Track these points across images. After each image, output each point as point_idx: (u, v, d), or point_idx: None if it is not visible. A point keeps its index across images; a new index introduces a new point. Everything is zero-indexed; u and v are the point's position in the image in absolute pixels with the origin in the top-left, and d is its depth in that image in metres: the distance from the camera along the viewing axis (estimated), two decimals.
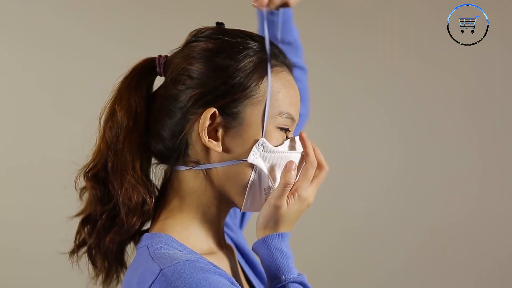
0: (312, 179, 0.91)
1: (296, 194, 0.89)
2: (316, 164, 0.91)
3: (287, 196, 0.88)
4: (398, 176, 2.25)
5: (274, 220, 0.89)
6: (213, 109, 0.85)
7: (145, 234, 0.89)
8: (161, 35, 1.79)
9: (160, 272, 0.77)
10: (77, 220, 0.92)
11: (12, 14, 2.02)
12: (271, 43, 0.91)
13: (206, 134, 0.85)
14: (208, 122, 0.85)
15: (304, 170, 0.90)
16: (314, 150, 0.92)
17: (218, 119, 0.86)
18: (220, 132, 0.86)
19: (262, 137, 0.86)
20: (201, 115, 0.85)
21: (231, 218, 1.10)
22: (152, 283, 0.76)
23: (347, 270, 2.24)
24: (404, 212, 2.24)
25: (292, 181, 0.88)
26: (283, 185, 0.87)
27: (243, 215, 1.15)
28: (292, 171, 0.88)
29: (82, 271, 0.94)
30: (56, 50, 2.04)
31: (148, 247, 0.84)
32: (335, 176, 2.21)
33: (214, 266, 0.82)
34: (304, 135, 0.91)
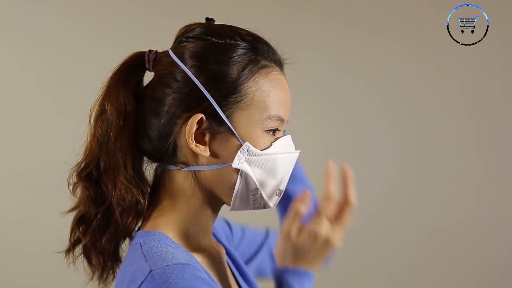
0: (337, 217, 0.90)
1: (308, 229, 0.88)
2: (333, 199, 0.89)
3: (299, 228, 0.88)
4: (398, 176, 2.24)
5: (285, 250, 0.89)
6: (200, 115, 0.84)
7: (139, 232, 0.89)
8: (162, 35, 1.78)
9: (149, 273, 0.77)
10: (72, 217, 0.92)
11: (12, 14, 2.02)
12: (260, 39, 0.89)
13: (193, 139, 0.85)
14: (195, 128, 0.85)
15: (319, 204, 0.89)
16: (346, 184, 0.89)
17: (205, 124, 0.85)
18: (207, 137, 0.86)
19: (241, 143, 0.85)
20: (188, 119, 0.85)
21: (226, 234, 1.10)
22: (142, 283, 0.77)
23: (347, 270, 2.24)
24: (404, 212, 2.23)
25: (302, 211, 0.87)
26: (293, 213, 0.88)
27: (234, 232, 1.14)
28: (304, 201, 0.88)
29: (81, 271, 0.94)
30: (56, 50, 2.04)
31: (141, 245, 0.84)
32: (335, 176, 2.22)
33: (206, 272, 0.82)
34: (331, 163, 0.89)
